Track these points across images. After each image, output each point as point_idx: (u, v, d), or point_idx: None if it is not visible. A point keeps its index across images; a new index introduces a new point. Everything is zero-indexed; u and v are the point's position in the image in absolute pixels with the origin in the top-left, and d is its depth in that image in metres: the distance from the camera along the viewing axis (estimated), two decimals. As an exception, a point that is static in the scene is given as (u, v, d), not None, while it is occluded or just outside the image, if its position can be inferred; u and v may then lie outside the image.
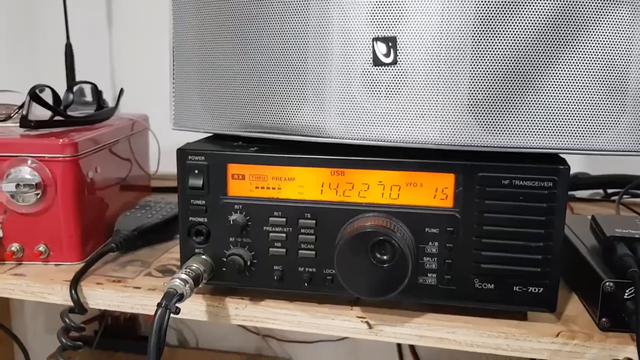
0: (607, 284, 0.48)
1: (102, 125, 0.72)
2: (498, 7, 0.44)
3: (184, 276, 0.48)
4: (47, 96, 0.69)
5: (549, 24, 0.44)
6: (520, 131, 0.46)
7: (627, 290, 0.47)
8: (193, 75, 0.55)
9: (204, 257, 0.52)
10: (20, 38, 1.15)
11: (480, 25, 0.44)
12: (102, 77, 1.09)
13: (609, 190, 0.92)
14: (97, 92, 0.78)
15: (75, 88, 0.77)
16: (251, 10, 0.50)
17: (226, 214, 0.51)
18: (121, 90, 0.79)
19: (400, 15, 0.45)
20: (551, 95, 0.45)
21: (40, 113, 0.66)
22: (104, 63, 1.11)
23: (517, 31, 0.44)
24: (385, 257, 0.46)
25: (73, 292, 0.55)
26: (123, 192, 0.75)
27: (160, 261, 0.63)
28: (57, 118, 0.68)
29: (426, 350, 1.05)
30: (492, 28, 0.44)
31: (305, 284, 0.51)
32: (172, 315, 0.46)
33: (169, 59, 0.57)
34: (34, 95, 0.65)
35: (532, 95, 0.45)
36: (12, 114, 0.73)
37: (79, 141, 0.61)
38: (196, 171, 0.51)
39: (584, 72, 0.45)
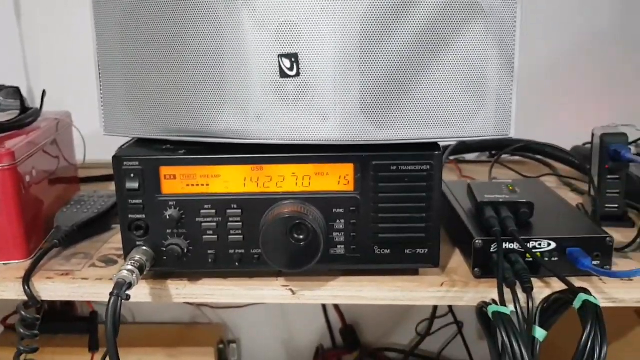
0: (477, 241, 0.60)
1: (30, 129, 0.76)
2: (377, 27, 0.53)
3: (129, 267, 0.56)
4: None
5: (420, 36, 0.54)
6: (403, 126, 0.56)
7: (492, 245, 0.60)
8: (118, 82, 0.61)
9: (144, 248, 0.59)
10: None
11: (364, 40, 0.53)
12: (11, 73, 1.09)
13: (493, 152, 1.06)
14: (19, 95, 0.81)
15: (-3, 92, 0.80)
16: (171, 21, 0.56)
17: (162, 210, 0.59)
18: (44, 92, 0.83)
19: (299, 35, 0.54)
20: (426, 96, 0.56)
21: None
22: (14, 60, 1.11)
23: (395, 43, 0.54)
24: (301, 237, 0.56)
25: (26, 287, 0.61)
26: (55, 187, 0.80)
27: (101, 252, 0.70)
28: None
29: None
30: (374, 41, 0.54)
31: (236, 264, 0.60)
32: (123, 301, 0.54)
33: (94, 66, 0.62)
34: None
35: (411, 96, 0.55)
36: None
37: (15, 149, 0.66)
38: (132, 175, 0.58)
39: (450, 75, 0.55)
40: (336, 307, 1.18)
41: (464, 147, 1.02)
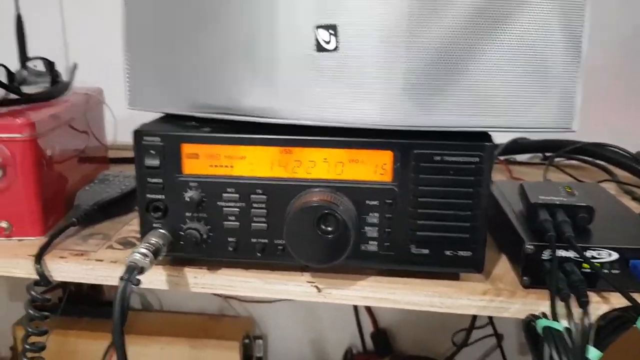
0: (528, 246, 0.53)
1: (58, 102, 0.73)
2: (429, -1, 0.47)
3: (143, 250, 0.52)
4: (0, 74, 0.70)
5: (476, 11, 0.48)
6: (451, 111, 0.50)
7: (545, 252, 0.53)
8: (147, 54, 0.57)
9: (162, 231, 0.55)
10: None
11: (412, 11, 0.48)
12: (49, 48, 1.08)
13: (547, 154, 0.99)
14: (51, 67, 0.79)
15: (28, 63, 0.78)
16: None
17: (182, 191, 0.54)
18: (75, 65, 0.80)
19: (340, 4, 0.48)
20: (479, 79, 0.49)
21: (-6, 90, 0.67)
22: (54, 34, 1.09)
23: (447, 17, 0.48)
24: (329, 229, 0.50)
25: (38, 266, 0.58)
26: (81, 165, 0.77)
27: (121, 234, 0.66)
28: (12, 96, 0.69)
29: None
30: (424, 14, 0.48)
31: (258, 254, 0.55)
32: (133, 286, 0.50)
33: (121, 34, 0.59)
34: (-12, 74, 0.66)
35: (461, 78, 0.49)
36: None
37: (36, 120, 0.63)
38: (152, 151, 0.54)
39: (507, 57, 0.49)
40: (368, 309, 1.13)
41: (515, 146, 0.95)
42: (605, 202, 0.65)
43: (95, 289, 1.14)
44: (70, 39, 1.10)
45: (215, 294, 1.13)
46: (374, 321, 1.14)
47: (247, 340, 1.10)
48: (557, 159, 0.95)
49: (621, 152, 0.88)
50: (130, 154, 0.92)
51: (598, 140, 0.91)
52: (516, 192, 0.65)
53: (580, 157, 0.94)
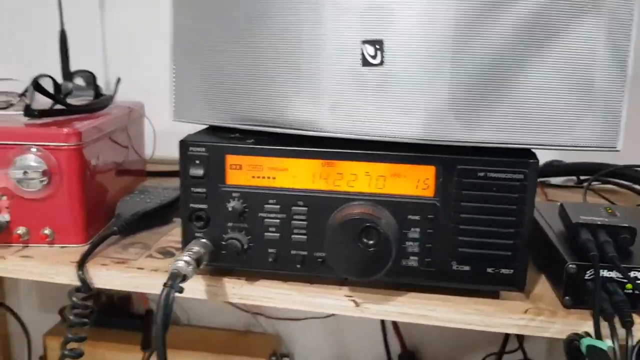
0: (571, 266, 0.53)
1: (101, 114, 0.75)
2: (475, 15, 0.48)
3: (186, 258, 0.53)
4: (47, 84, 0.72)
5: (522, 29, 0.48)
6: (495, 127, 0.50)
7: (588, 272, 0.53)
8: (193, 68, 0.58)
9: (204, 240, 0.56)
10: (10, 21, 1.16)
11: (459, 28, 0.48)
12: (91, 61, 1.11)
13: (582, 177, 0.98)
14: (94, 81, 0.81)
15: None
16: (251, 6, 0.53)
17: (225, 201, 0.55)
18: (118, 80, 0.82)
19: (387, 19, 0.49)
20: (524, 96, 0.49)
21: (40, 101, 0.69)
22: (95, 48, 1.12)
23: (492, 37, 0.48)
24: (371, 242, 0.51)
25: (80, 272, 0.59)
26: (121, 177, 0.79)
27: (160, 244, 0.67)
28: (58, 107, 0.71)
29: (407, 327, 1.11)
30: (470, 30, 0.48)
31: (298, 266, 0.55)
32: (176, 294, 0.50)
33: (169, 51, 0.60)
34: (37, 85, 0.68)
35: (506, 95, 0.49)
36: (13, 102, 0.76)
37: (82, 130, 0.64)
38: (197, 161, 0.55)
39: (552, 74, 0.49)
40: (396, 329, 1.12)
41: (551, 169, 0.94)
42: (646, 224, 0.64)
43: (125, 300, 1.15)
44: (112, 53, 1.13)
45: (243, 310, 1.14)
46: (402, 342, 1.12)
47: (273, 358, 1.09)
48: (593, 183, 0.94)
49: (660, 175, 0.87)
50: (166, 167, 0.94)
51: (634, 162, 0.90)
52: (555, 213, 0.64)
53: (617, 180, 0.93)
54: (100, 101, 0.78)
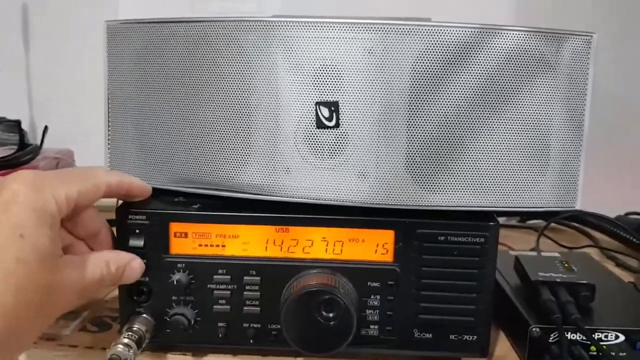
0: (534, 329, 0.51)
1: (28, 167, 0.69)
2: (430, 79, 0.46)
3: (126, 340, 0.47)
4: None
5: (478, 91, 0.47)
6: (454, 190, 0.48)
7: (552, 335, 0.51)
8: (129, 121, 0.54)
9: (145, 316, 0.51)
10: None
11: (415, 91, 0.46)
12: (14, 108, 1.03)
13: (525, 217, 0.98)
14: (19, 130, 0.74)
15: (-5, 126, 0.74)
16: (194, 59, 0.50)
17: (168, 272, 0.50)
18: (45, 128, 0.76)
19: (342, 81, 0.47)
20: (481, 158, 0.48)
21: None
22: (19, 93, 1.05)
23: (450, 96, 0.47)
24: (331, 315, 0.47)
25: None
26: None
27: (94, 312, 0.61)
28: (-23, 162, 0.64)
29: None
30: (426, 94, 0.47)
31: (250, 340, 0.51)
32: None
33: (104, 107, 0.56)
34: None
35: (464, 157, 0.48)
36: None
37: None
38: (137, 231, 0.50)
39: (509, 137, 0.48)
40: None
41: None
42: (600, 275, 0.64)
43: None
44: (35, 94, 1.06)
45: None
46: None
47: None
48: (536, 222, 0.95)
49: (604, 218, 0.88)
50: (104, 215, 0.87)
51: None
52: (510, 265, 0.63)
53: (561, 220, 0.94)
54: (25, 153, 0.71)
